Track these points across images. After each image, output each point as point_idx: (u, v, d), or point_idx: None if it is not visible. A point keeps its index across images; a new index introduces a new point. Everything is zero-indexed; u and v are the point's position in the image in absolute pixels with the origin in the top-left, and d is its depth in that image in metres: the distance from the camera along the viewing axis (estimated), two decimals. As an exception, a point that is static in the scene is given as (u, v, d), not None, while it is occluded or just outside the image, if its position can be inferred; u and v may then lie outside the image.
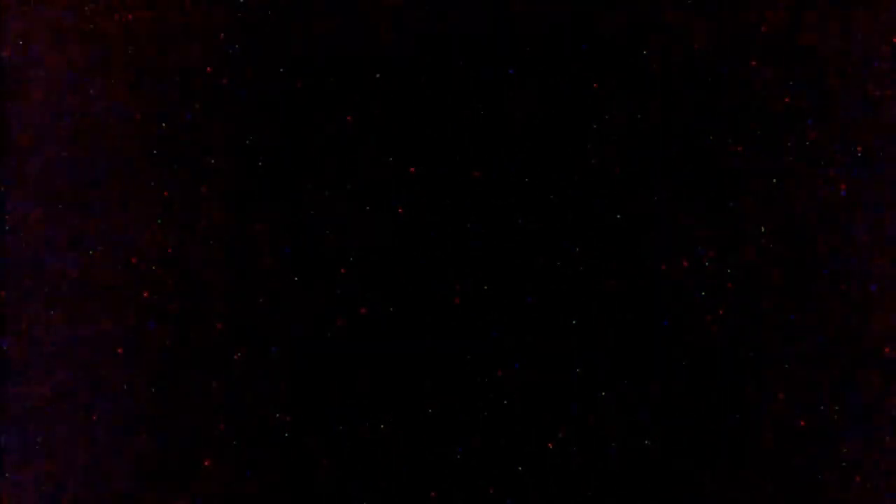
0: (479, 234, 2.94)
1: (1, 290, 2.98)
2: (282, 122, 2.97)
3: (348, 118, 2.96)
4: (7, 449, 2.96)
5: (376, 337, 2.94)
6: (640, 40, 2.95)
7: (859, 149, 2.92)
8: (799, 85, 2.94)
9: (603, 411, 2.91)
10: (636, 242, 2.93)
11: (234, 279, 2.96)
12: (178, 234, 2.97)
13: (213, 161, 2.98)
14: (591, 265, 2.93)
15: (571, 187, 2.94)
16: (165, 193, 2.98)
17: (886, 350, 2.89)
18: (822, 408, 2.89)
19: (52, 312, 2.97)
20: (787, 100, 2.93)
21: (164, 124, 2.99)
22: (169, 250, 2.97)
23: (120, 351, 2.96)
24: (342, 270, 2.95)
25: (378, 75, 2.96)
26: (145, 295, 2.97)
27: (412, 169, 2.95)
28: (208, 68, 2.99)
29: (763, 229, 2.92)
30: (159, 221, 2.98)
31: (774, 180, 2.92)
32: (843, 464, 2.89)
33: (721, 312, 2.91)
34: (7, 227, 2.99)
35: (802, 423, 2.89)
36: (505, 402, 2.92)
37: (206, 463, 2.94)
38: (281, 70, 2.98)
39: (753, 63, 2.94)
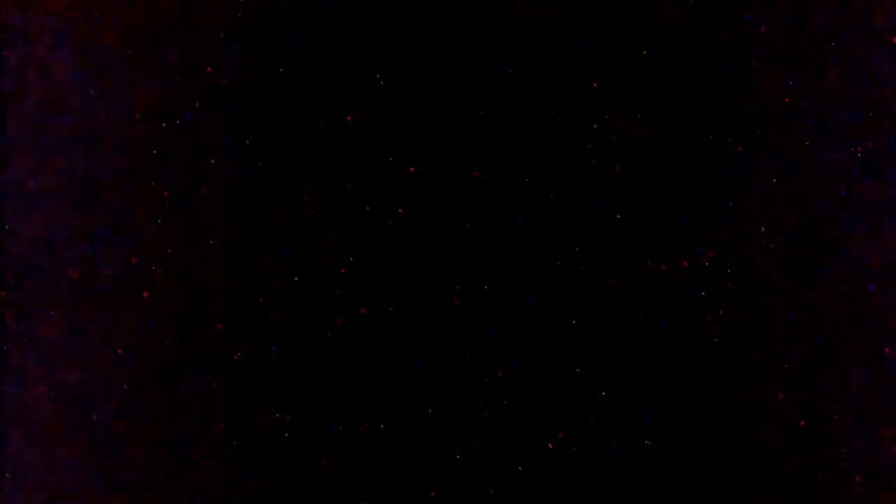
0: (479, 234, 2.94)
1: (1, 290, 2.98)
2: (282, 122, 2.97)
3: (348, 118, 2.96)
4: (7, 449, 2.96)
5: (376, 337, 2.94)
6: (640, 40, 2.95)
7: (859, 149, 2.92)
8: (799, 85, 2.94)
9: (603, 411, 2.91)
10: (636, 242, 2.92)
11: (234, 279, 2.96)
12: (178, 234, 2.97)
13: (213, 161, 2.98)
14: (591, 265, 2.93)
15: (571, 187, 2.94)
16: (165, 193, 2.98)
17: (886, 350, 2.89)
18: (822, 408, 2.89)
19: (52, 312, 2.97)
20: (787, 100, 2.93)
21: (164, 124, 2.99)
22: (169, 250, 2.97)
23: (120, 351, 2.96)
24: (342, 270, 2.95)
25: (378, 75, 2.96)
26: (145, 295, 2.97)
27: (412, 169, 2.95)
28: (208, 68, 2.99)
29: (763, 229, 2.92)
30: (159, 221, 2.98)
31: (774, 180, 2.92)
32: (843, 464, 2.89)
33: (721, 312, 2.91)
34: (7, 227, 2.99)
35: (802, 423, 2.89)
36: (505, 402, 2.92)
37: (206, 463, 2.94)
38: (281, 70, 2.98)
39: (753, 63, 2.94)
